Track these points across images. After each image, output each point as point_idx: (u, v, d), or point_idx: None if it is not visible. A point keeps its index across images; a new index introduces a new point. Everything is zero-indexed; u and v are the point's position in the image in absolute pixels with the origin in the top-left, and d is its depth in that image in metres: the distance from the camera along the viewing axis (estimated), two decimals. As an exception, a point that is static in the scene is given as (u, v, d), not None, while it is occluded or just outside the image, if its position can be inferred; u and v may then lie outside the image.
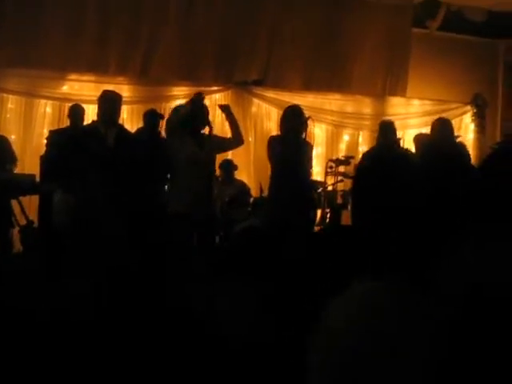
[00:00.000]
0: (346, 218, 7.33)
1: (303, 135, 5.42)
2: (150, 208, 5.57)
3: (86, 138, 5.41)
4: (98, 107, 5.52)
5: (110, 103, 5.44)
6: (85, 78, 8.02)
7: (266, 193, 6.68)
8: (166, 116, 8.05)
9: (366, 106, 9.09)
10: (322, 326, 1.73)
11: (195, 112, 5.33)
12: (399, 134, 7.35)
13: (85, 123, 6.64)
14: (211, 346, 2.31)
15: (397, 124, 8.63)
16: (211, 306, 2.71)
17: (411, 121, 9.14)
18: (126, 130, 6.02)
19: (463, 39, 9.58)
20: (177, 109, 5.87)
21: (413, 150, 7.19)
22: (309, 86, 8.80)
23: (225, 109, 5.58)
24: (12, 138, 7.30)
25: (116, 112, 5.55)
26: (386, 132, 6.28)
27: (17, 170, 6.74)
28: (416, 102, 9.31)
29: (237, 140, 5.51)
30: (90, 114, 6.84)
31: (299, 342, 2.02)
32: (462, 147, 6.93)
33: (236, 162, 7.87)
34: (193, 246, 5.11)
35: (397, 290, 1.77)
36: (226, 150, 5.91)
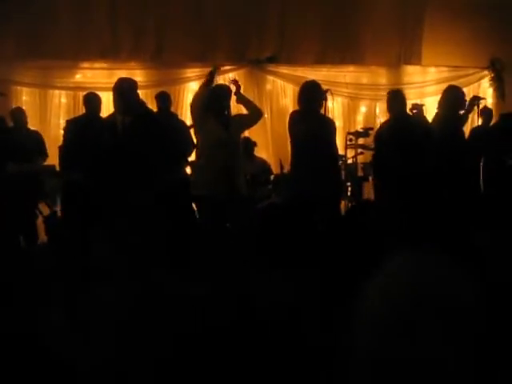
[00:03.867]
0: (367, 190, 7.27)
1: (322, 110, 5.34)
2: (169, 189, 5.54)
3: (99, 131, 5.39)
4: (113, 97, 5.45)
5: (124, 92, 5.35)
6: (97, 65, 8.01)
7: (286, 169, 6.63)
8: (180, 98, 8.12)
9: (382, 76, 8.98)
10: (364, 306, 1.69)
11: (216, 93, 5.28)
12: (417, 102, 7.22)
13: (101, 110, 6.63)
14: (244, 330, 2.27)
15: (414, 93, 8.56)
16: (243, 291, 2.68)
17: (428, 89, 9.01)
18: (144, 115, 5.82)
19: (477, 2, 9.38)
20: (198, 92, 5.81)
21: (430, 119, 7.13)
22: (322, 59, 8.70)
23: (236, 84, 5.48)
24: (29, 130, 7.32)
25: (131, 99, 5.45)
26: (395, 101, 6.19)
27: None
28: (432, 69, 9.16)
29: (256, 112, 5.42)
30: (105, 101, 6.81)
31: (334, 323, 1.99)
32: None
33: (254, 139, 7.83)
34: (219, 226, 5.08)
35: (433, 260, 1.73)
36: (249, 125, 5.81)
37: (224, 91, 5.36)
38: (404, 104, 6.26)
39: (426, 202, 4.82)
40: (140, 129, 5.34)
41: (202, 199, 5.26)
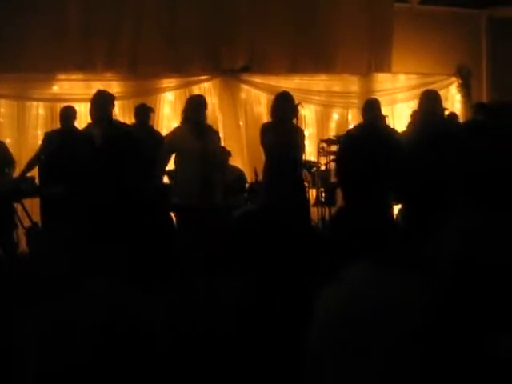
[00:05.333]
0: (340, 196, 7.47)
1: (294, 121, 5.54)
2: (144, 199, 5.67)
3: (76, 144, 5.52)
4: (90, 108, 5.61)
5: (100, 104, 5.53)
6: (73, 77, 8.11)
7: (260, 177, 6.81)
8: (157, 108, 8.25)
9: (353, 84, 9.20)
10: (315, 316, 1.85)
11: (192, 104, 5.45)
12: (386, 110, 7.45)
13: (76, 122, 6.75)
14: (208, 340, 2.39)
15: (384, 99, 8.77)
16: (211, 299, 2.81)
17: (398, 95, 9.27)
18: (116, 126, 6.01)
19: (445, 11, 9.66)
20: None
21: (403, 125, 7.34)
22: (295, 68, 8.90)
23: None
24: (7, 141, 7.41)
25: (107, 111, 5.63)
26: (370, 109, 6.38)
27: (15, 173, 6.87)
28: (402, 76, 9.42)
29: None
30: (82, 111, 6.93)
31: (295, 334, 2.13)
32: (449, 120, 7.07)
33: (229, 147, 7.99)
34: (194, 235, 5.22)
35: (380, 270, 1.87)
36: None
37: (200, 101, 5.53)
38: (378, 112, 6.43)
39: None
40: (114, 145, 5.50)
41: (180, 208, 5.41)
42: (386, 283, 1.82)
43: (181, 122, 5.63)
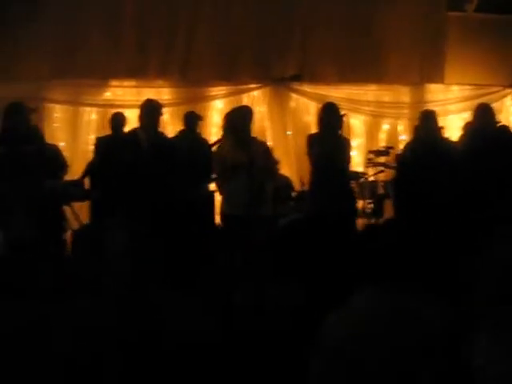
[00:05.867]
0: (388, 208, 7.39)
1: (339, 131, 5.51)
2: (193, 207, 5.75)
3: (122, 147, 5.62)
4: (139, 115, 5.71)
5: (148, 112, 5.64)
6: (126, 83, 8.26)
7: (307, 187, 6.79)
8: (206, 116, 8.32)
9: (404, 94, 9.08)
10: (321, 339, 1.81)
11: (238, 115, 5.49)
12: (440, 122, 7.30)
13: (127, 129, 6.86)
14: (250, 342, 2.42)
15: (436, 111, 8.64)
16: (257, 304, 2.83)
17: (450, 107, 9.10)
18: (162, 135, 6.13)
19: (501, 19, 9.44)
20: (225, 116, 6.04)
21: (455, 137, 7.19)
22: (345, 78, 8.84)
23: None
24: (61, 145, 7.58)
25: (155, 120, 5.72)
26: (427, 122, 6.22)
27: (66, 177, 7.01)
28: (455, 87, 9.24)
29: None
30: (133, 118, 7.04)
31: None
32: (504, 132, 6.88)
33: (277, 156, 7.98)
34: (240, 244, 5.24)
35: (392, 295, 1.81)
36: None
37: (245, 113, 5.56)
38: (434, 124, 6.23)
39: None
40: (166, 143, 5.59)
41: (227, 217, 5.44)
42: (403, 310, 1.76)
43: (225, 132, 5.65)
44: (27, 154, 5.44)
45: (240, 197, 5.28)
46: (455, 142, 6.52)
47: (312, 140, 5.56)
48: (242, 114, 5.55)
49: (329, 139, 5.36)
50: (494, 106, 9.07)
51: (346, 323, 1.76)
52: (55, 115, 8.14)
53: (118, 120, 6.84)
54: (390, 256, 2.08)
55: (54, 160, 6.40)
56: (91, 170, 6.81)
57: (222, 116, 8.38)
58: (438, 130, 6.34)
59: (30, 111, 5.71)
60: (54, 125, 8.10)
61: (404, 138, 8.71)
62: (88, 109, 8.20)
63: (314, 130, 6.93)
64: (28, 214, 5.24)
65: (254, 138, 5.63)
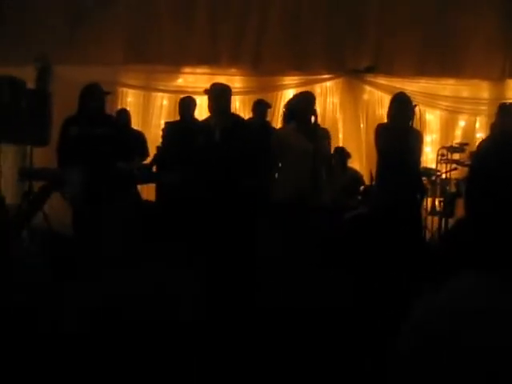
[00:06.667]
0: (459, 207, 7.10)
1: (411, 123, 5.29)
2: (258, 196, 5.68)
3: (195, 134, 5.58)
4: (208, 100, 5.63)
5: (219, 96, 5.54)
6: (198, 70, 8.29)
7: (376, 181, 6.61)
8: (277, 105, 8.24)
9: (484, 90, 8.72)
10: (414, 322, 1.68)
11: (301, 102, 5.35)
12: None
13: (198, 115, 6.86)
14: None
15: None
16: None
17: (533, 104, 8.67)
18: (238, 120, 6.00)
19: None
20: (287, 102, 5.92)
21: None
22: (421, 71, 8.56)
23: None
24: (133, 129, 7.67)
25: (225, 103, 5.62)
26: (505, 117, 5.92)
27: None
28: (539, 83, 8.81)
29: None
30: (204, 105, 7.03)
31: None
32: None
33: (348, 149, 7.83)
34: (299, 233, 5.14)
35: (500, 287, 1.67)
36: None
37: (308, 99, 5.40)
38: None
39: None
40: (234, 136, 5.49)
41: (281, 205, 5.28)
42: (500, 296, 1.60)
43: (286, 119, 5.53)
44: (98, 136, 5.51)
45: (297, 185, 5.13)
46: None
47: (380, 130, 5.36)
48: (305, 99, 5.40)
49: (397, 130, 5.16)
50: None
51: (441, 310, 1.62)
52: (128, 99, 8.27)
53: (186, 104, 6.80)
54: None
55: (131, 144, 6.46)
56: (159, 154, 6.85)
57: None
58: None
59: (104, 94, 5.75)
60: (127, 109, 8.20)
61: (481, 135, 8.37)
62: (160, 94, 8.29)
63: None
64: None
65: (318, 125, 5.48)
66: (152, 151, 7.23)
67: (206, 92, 5.64)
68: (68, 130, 5.55)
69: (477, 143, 7.56)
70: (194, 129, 5.97)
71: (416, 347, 1.65)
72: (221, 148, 5.43)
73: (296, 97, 5.70)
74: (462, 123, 8.75)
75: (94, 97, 5.54)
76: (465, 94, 8.74)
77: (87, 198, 5.36)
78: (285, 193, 5.18)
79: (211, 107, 5.61)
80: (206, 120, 5.83)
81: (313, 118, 5.24)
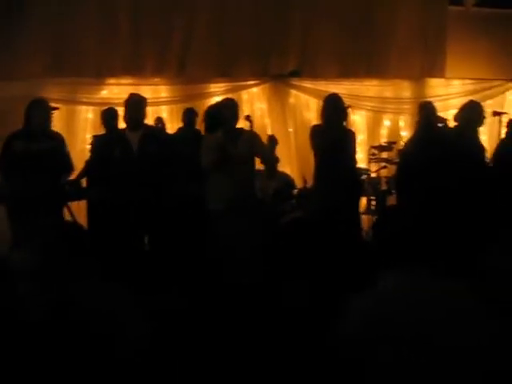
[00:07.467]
0: (391, 204, 7.26)
1: (344, 123, 5.38)
2: (188, 204, 5.63)
3: (112, 146, 5.54)
4: (124, 112, 5.62)
5: (133, 106, 5.53)
6: (122, 81, 8.11)
7: (309, 184, 6.65)
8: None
9: (405, 89, 8.97)
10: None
11: (220, 113, 5.37)
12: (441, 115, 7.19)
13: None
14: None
15: (438, 105, 8.50)
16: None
17: (452, 101, 8.97)
18: (151, 130, 6.01)
19: (501, 13, 9.36)
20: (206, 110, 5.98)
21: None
22: (345, 73, 8.71)
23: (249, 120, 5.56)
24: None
25: (140, 114, 5.58)
26: (426, 113, 6.15)
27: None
28: (456, 82, 9.13)
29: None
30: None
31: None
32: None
33: (277, 154, 7.85)
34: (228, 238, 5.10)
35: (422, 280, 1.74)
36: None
37: (231, 104, 5.42)
38: (434, 116, 6.21)
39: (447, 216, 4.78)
40: (147, 146, 5.49)
41: (212, 212, 5.29)
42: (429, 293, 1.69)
43: (210, 128, 5.54)
44: (42, 152, 5.47)
45: (224, 191, 5.15)
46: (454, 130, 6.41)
47: (315, 131, 5.42)
48: (228, 105, 5.41)
49: (332, 130, 5.22)
50: (496, 100, 9.06)
51: (374, 303, 1.72)
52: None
53: (107, 115, 6.67)
54: (411, 239, 2.01)
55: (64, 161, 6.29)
56: (87, 169, 6.67)
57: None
58: (437, 120, 6.25)
59: (51, 109, 5.76)
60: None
61: (405, 134, 8.59)
62: (84, 107, 8.05)
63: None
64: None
65: (243, 129, 5.50)
66: (79, 166, 7.03)
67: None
68: (12, 145, 5.50)
69: (402, 141, 7.77)
70: (110, 141, 5.90)
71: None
72: (137, 159, 5.44)
73: (219, 103, 5.71)
74: (386, 122, 8.96)
75: (37, 112, 5.53)
76: (388, 93, 8.95)
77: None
78: (219, 200, 5.17)
79: (125, 118, 5.58)
80: (123, 131, 5.76)
81: (248, 124, 5.25)
